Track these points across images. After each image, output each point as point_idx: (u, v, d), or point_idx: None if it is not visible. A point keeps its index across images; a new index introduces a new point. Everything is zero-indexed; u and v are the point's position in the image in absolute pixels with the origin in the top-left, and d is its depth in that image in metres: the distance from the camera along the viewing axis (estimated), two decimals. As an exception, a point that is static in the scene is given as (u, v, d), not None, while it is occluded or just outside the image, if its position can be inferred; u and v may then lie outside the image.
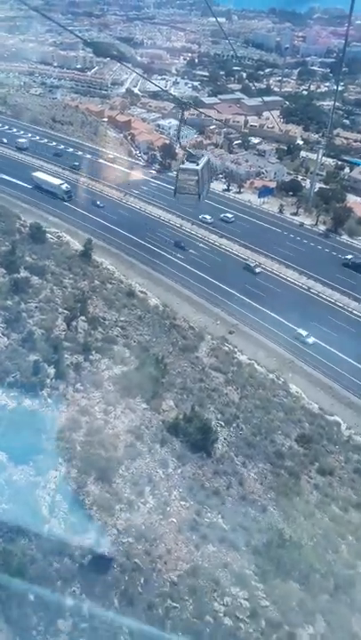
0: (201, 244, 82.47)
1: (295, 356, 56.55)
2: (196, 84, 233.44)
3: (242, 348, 59.64)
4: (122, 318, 42.50)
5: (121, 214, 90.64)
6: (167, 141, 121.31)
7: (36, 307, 36.71)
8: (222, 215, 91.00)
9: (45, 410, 28.68)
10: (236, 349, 55.64)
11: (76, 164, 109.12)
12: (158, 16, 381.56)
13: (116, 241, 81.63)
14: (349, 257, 76.89)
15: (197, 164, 17.90)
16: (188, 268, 75.87)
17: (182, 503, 27.39)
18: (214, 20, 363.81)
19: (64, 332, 35.87)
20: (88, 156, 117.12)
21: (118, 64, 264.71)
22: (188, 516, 26.93)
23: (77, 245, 68.00)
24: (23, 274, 40.31)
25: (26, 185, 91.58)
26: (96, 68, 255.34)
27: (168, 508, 26.75)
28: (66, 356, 33.86)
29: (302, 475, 35.37)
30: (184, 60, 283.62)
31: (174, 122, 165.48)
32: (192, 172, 17.67)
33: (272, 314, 63.10)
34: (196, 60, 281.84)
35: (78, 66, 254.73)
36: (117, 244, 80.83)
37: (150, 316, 45.76)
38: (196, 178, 17.62)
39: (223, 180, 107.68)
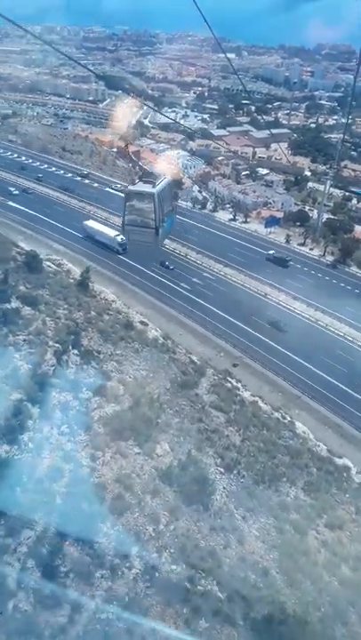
0: (206, 274, 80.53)
1: (302, 391, 53.75)
2: (205, 116, 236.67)
3: (246, 383, 56.82)
4: (117, 352, 40.01)
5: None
6: (173, 170, 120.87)
7: (25, 340, 34.35)
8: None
9: (24, 457, 25.90)
10: (239, 384, 52.89)
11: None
12: (170, 51, 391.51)
13: (119, 269, 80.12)
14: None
15: (154, 186, 13.56)
16: (193, 298, 73.80)
17: (173, 567, 24.29)
18: (224, 55, 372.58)
19: (53, 368, 33.41)
20: (96, 185, 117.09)
21: (129, 97, 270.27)
22: (179, 582, 23.80)
23: (77, 273, 66.44)
24: (14, 304, 38.12)
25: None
26: (108, 100, 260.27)
27: (157, 574, 23.66)
28: (53, 394, 31.34)
29: (309, 530, 32.08)
30: (194, 93, 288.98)
31: (182, 152, 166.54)
32: (146, 197, 13.13)
33: (278, 347, 60.64)
34: (206, 94, 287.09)
35: (90, 98, 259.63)
36: (120, 272, 79.31)
37: (148, 350, 43.23)
38: (152, 205, 13.13)
39: (230, 209, 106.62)
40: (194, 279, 78.34)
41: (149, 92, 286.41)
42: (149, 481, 29.09)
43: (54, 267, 57.02)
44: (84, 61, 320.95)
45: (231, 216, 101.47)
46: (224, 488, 32.37)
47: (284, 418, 47.02)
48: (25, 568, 20.94)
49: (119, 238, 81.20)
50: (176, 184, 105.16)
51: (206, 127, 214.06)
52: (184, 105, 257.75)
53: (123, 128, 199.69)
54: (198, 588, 23.97)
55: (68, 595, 20.97)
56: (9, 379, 30.16)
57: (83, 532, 23.64)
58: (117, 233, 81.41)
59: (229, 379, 51.75)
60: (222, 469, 33.88)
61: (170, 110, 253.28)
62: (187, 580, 24.06)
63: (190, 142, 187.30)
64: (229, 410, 41.51)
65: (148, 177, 13.01)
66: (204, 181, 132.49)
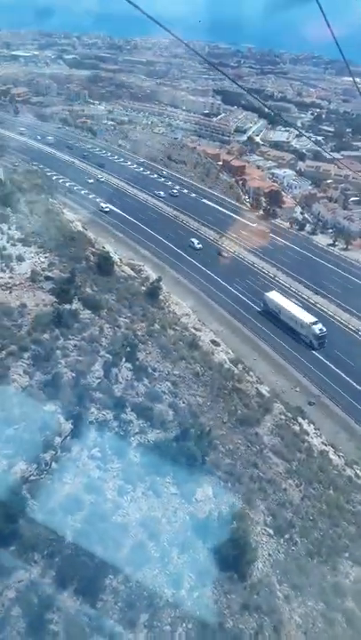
0: (292, 299, 74.79)
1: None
2: (319, 138, 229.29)
3: (320, 426, 50.49)
4: (175, 372, 36.14)
5: (213, 256, 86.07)
6: (275, 188, 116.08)
7: (76, 345, 31.70)
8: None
9: (41, 479, 22.78)
10: (311, 427, 46.91)
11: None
12: (292, 72, 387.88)
13: (201, 281, 77.18)
14: None
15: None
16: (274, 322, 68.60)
17: (186, 653, 19.80)
18: (349, 78, 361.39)
19: (99, 380, 30.28)
20: (193, 195, 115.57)
21: (244, 113, 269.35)
22: (188, 673, 19.28)
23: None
24: (75, 305, 35.79)
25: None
26: (222, 114, 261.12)
27: (164, 657, 19.35)
28: (92, 410, 28.17)
29: (367, 626, 25.90)
30: (311, 114, 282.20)
31: (290, 172, 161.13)
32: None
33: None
34: (324, 116, 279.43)
35: (206, 111, 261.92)
36: (202, 285, 76.33)
37: (211, 374, 38.89)
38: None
39: (331, 234, 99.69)
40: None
41: (266, 109, 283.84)
42: (181, 531, 24.80)
43: (132, 272, 54.72)
44: (205, 76, 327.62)
45: (331, 241, 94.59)
46: (269, 555, 27.11)
47: (358, 477, 40.41)
48: (7, 622, 17.37)
49: (317, 329, 64.41)
50: (275, 201, 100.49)
51: (320, 149, 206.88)
52: (299, 125, 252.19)
53: (232, 142, 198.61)
54: None
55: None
56: (47, 386, 27.45)
57: (85, 583, 19.94)
58: (315, 320, 65.50)
59: (300, 419, 45.99)
60: (271, 531, 28.59)
61: (284, 129, 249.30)
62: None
63: (300, 162, 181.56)
64: (292, 458, 35.89)
65: None
66: (308, 203, 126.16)
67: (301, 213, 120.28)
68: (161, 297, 48.20)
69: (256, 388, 44.12)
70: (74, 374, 29.70)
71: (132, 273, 53.78)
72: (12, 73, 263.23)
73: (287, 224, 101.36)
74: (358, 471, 41.23)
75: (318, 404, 57.53)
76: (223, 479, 30.39)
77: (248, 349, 65.06)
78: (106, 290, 40.09)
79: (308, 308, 72.72)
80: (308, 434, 42.48)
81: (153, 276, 67.78)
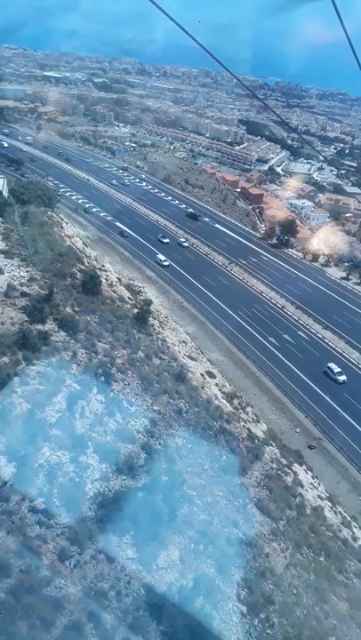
0: (300, 332, 70.58)
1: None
2: (341, 172, 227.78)
3: (318, 474, 46.08)
4: (155, 407, 32.04)
5: (223, 284, 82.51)
6: (290, 217, 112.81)
7: (39, 372, 27.89)
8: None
9: None
10: (308, 475, 42.30)
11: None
12: (318, 106, 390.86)
13: (204, 306, 73.60)
14: None
15: None
16: (278, 356, 64.35)
17: None
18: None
19: (59, 415, 26.23)
20: (206, 219, 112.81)
21: (267, 143, 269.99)
22: None
23: (155, 304, 60.35)
24: (48, 326, 32.13)
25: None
26: (245, 144, 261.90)
27: None
28: (44, 450, 23.85)
29: None
30: (335, 149, 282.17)
31: (308, 203, 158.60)
32: None
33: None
34: (347, 151, 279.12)
35: (228, 139, 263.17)
36: (205, 310, 72.73)
37: (196, 412, 34.70)
38: None
39: (345, 267, 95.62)
40: (285, 335, 68.83)
41: (289, 141, 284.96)
42: (130, 610, 20.37)
43: (127, 293, 51.27)
44: (231, 106, 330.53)
45: (344, 274, 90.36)
46: (238, 640, 22.55)
47: (356, 539, 35.57)
48: None
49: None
50: (289, 230, 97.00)
51: (340, 183, 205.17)
52: (321, 158, 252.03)
53: (252, 171, 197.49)
54: None
55: None
56: (-7, 419, 23.64)
57: None
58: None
59: (297, 466, 41.41)
60: (245, 609, 23.97)
61: (305, 162, 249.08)
62: None
63: (320, 195, 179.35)
64: (280, 516, 31.30)
65: None
66: (325, 235, 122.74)
67: (317, 245, 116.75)
68: (152, 321, 44.49)
69: (248, 429, 39.73)
70: (29, 406, 25.76)
71: (128, 294, 50.30)
72: (42, 92, 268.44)
73: (300, 254, 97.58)
74: (357, 530, 36.44)
75: (319, 448, 52.83)
76: (195, 540, 25.95)
77: (249, 383, 60.82)
78: (89, 311, 36.38)
79: (315, 343, 68.39)
80: (302, 485, 37.89)
81: (153, 299, 64.63)
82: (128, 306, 43.89)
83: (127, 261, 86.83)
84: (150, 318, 44.24)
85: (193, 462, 30.77)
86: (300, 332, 70.30)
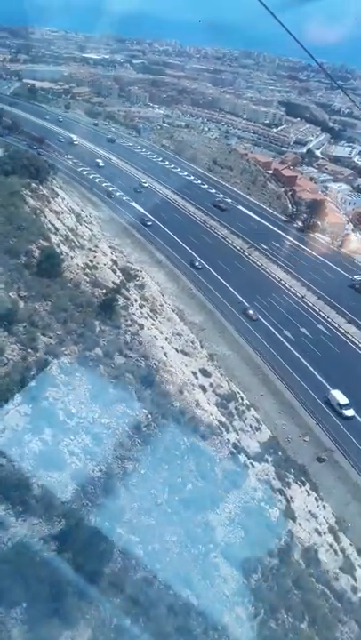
0: (320, 325, 62.94)
1: None
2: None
3: (326, 493, 39.25)
4: (104, 420, 25.56)
5: (239, 270, 75.39)
6: (319, 199, 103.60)
7: None
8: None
9: None
10: (312, 497, 35.60)
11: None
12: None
13: (218, 297, 66.93)
14: None
15: None
16: (292, 351, 57.17)
17: None
18: None
19: None
20: (228, 200, 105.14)
21: (307, 125, 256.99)
22: None
23: (154, 289, 54.11)
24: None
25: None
26: (284, 126, 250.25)
27: None
28: None
29: None
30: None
31: (345, 186, 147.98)
32: None
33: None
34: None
35: (266, 121, 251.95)
36: (215, 299, 66.14)
37: (160, 425, 27.79)
38: None
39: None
40: (302, 329, 61.32)
41: (330, 124, 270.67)
42: None
43: (115, 277, 45.07)
44: (272, 87, 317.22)
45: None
46: None
47: (356, 590, 28.57)
48: None
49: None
50: (317, 212, 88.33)
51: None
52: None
53: (288, 153, 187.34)
54: None
55: None
56: None
57: None
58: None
59: (294, 487, 34.66)
60: None
61: (347, 145, 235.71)
62: None
63: (359, 179, 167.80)
64: (254, 568, 24.50)
65: None
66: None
67: (353, 230, 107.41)
68: (135, 310, 38.08)
69: (234, 444, 32.83)
70: None
71: (114, 279, 43.98)
72: (79, 73, 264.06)
73: (328, 239, 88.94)
74: (356, 582, 29.30)
75: (330, 462, 45.52)
76: (119, 614, 19.40)
77: (256, 382, 53.80)
78: (39, 296, 30.19)
79: (336, 338, 60.68)
80: (294, 519, 30.74)
81: (152, 283, 58.29)
82: (88, 288, 36.78)
83: (138, 243, 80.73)
84: (134, 306, 38.00)
85: (144, 495, 24.22)
86: (319, 326, 62.65)
